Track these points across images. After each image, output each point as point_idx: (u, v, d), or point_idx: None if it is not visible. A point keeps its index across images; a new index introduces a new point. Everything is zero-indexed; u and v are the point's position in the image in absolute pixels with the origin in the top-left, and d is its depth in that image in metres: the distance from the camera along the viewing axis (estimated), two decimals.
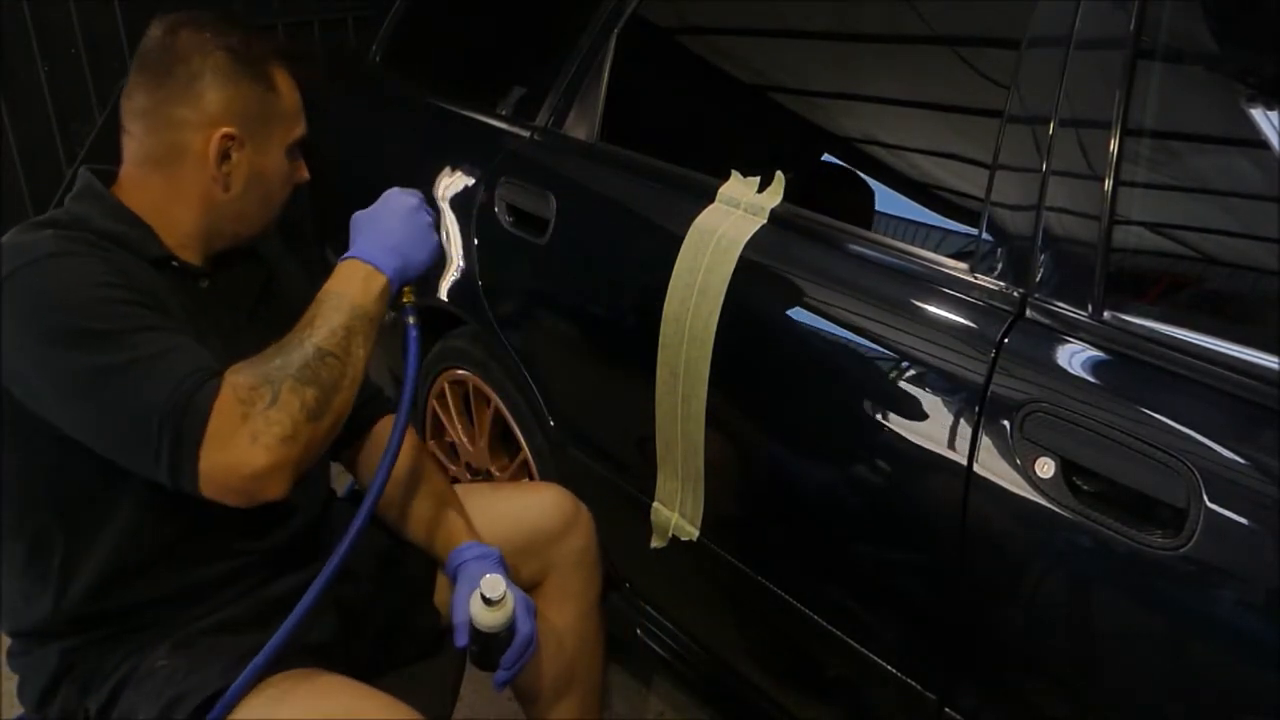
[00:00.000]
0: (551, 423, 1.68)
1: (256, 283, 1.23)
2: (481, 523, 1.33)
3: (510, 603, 1.15)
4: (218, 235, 1.16)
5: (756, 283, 1.29)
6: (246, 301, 1.21)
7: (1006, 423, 1.02)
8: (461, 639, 1.18)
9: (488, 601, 1.13)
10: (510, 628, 1.17)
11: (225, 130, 1.10)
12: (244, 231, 1.18)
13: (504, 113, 1.81)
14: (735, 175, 1.37)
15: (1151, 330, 0.97)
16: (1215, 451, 0.90)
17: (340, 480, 1.38)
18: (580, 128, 1.65)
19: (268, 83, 1.13)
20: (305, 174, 1.19)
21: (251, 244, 1.21)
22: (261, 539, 1.18)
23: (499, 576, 1.15)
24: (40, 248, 1.02)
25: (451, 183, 1.82)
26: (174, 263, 1.12)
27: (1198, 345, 0.94)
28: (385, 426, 1.33)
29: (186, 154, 1.10)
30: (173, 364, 0.98)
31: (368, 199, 1.17)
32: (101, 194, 1.12)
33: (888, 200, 1.29)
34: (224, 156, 1.11)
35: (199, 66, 1.08)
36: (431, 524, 1.30)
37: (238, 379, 0.98)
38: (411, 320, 1.15)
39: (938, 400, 1.10)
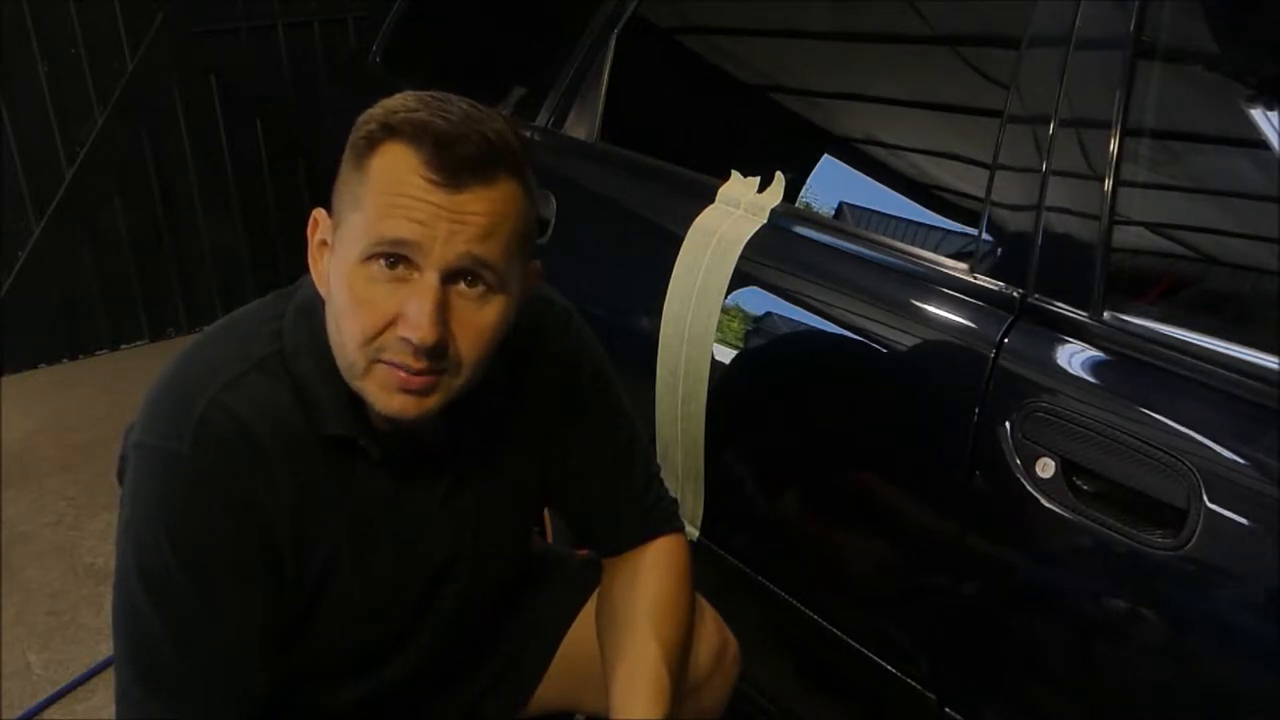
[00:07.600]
0: None
1: (462, 452, 0.98)
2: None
3: None
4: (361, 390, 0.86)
5: (756, 283, 1.29)
6: (443, 481, 0.98)
7: (1006, 423, 1.02)
8: None
9: None
10: None
11: (316, 210, 0.90)
12: (359, 383, 0.85)
13: (504, 113, 1.80)
14: (735, 175, 1.37)
15: (1151, 330, 0.97)
16: (1215, 451, 0.89)
17: None
18: (580, 128, 1.65)
19: (361, 158, 0.84)
20: (420, 331, 0.80)
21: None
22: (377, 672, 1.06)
23: None
24: (176, 437, 0.85)
25: None
26: (360, 442, 0.90)
27: (1198, 345, 0.93)
28: (663, 554, 1.11)
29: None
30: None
31: None
32: (312, 311, 0.90)
33: (888, 200, 1.29)
34: (321, 246, 0.89)
35: None
36: (631, 676, 1.03)
37: None
38: None
39: (937, 400, 1.10)
